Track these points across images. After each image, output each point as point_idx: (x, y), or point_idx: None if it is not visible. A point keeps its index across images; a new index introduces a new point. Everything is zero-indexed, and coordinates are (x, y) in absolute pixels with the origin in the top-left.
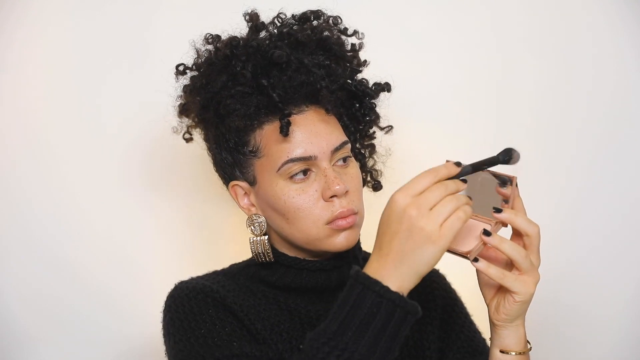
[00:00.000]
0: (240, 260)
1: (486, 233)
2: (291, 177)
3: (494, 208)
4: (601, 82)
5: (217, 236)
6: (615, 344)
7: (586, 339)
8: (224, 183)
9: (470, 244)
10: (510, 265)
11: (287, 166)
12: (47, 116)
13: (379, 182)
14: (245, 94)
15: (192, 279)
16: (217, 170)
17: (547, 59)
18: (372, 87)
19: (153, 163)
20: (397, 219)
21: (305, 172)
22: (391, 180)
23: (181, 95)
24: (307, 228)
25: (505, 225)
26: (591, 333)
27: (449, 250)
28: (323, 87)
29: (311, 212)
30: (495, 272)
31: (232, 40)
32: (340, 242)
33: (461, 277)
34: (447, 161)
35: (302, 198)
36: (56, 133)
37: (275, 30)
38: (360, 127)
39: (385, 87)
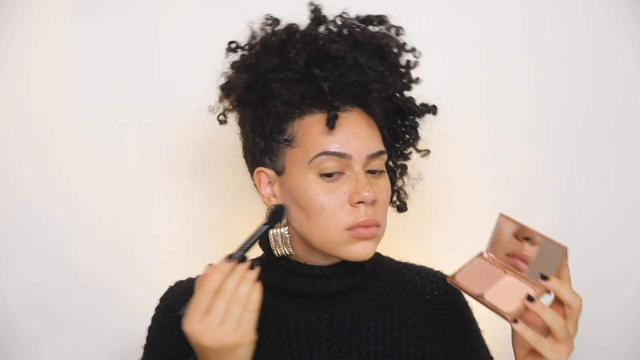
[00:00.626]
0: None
1: (530, 299)
2: (322, 175)
3: (541, 275)
4: (601, 82)
5: (219, 235)
6: (615, 344)
7: (587, 338)
8: (249, 169)
9: (511, 305)
10: (546, 329)
11: (320, 159)
12: (47, 116)
13: (405, 204)
14: (293, 81)
15: (189, 280)
16: (245, 156)
17: (547, 59)
18: (419, 106)
19: (154, 161)
20: (198, 346)
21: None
22: (417, 206)
23: (226, 73)
24: (326, 229)
25: (549, 292)
26: (591, 333)
27: (489, 306)
28: (374, 89)
29: (334, 213)
30: (531, 337)
31: (291, 26)
32: (356, 251)
33: None
34: (210, 264)
35: (329, 197)
36: (56, 133)
37: (335, 28)
38: (398, 144)
39: (432, 109)
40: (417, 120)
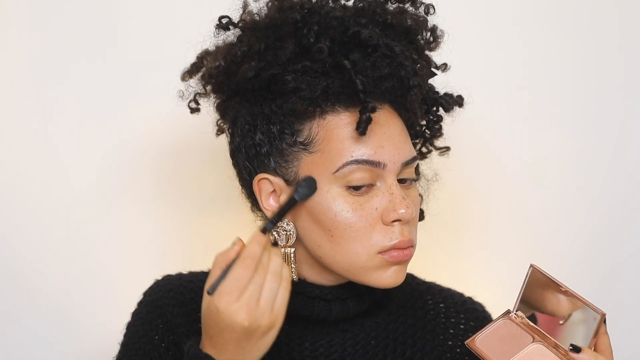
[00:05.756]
0: None
1: None
2: (349, 188)
3: (572, 346)
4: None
5: (191, 243)
6: (615, 344)
7: None
8: (240, 175)
9: None
10: None
11: (348, 168)
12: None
13: (422, 211)
14: (313, 72)
15: (179, 276)
16: (236, 159)
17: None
18: (444, 96)
19: (117, 162)
20: (229, 328)
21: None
22: (431, 212)
23: (207, 55)
24: (354, 253)
25: None
26: None
27: None
28: (415, 85)
29: (365, 234)
30: None
31: (305, 3)
32: (388, 277)
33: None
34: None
35: (358, 215)
36: (3, 130)
37: (351, 5)
38: (417, 141)
39: (458, 100)
40: (441, 114)
